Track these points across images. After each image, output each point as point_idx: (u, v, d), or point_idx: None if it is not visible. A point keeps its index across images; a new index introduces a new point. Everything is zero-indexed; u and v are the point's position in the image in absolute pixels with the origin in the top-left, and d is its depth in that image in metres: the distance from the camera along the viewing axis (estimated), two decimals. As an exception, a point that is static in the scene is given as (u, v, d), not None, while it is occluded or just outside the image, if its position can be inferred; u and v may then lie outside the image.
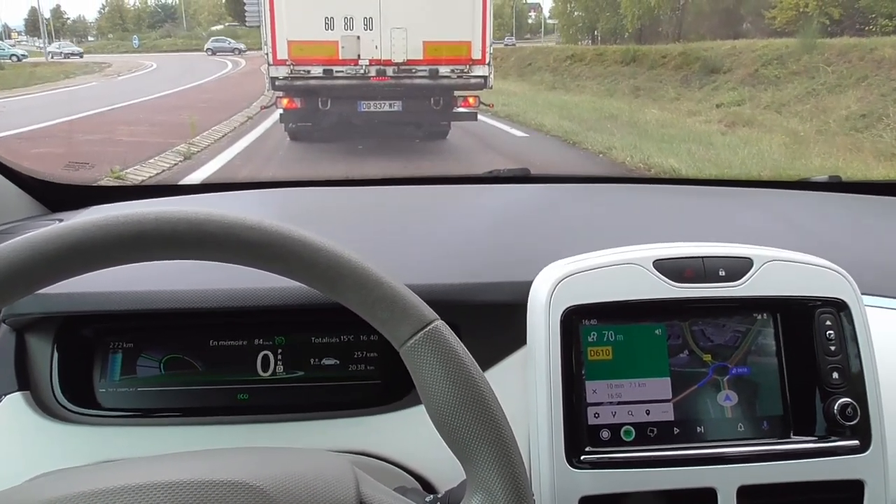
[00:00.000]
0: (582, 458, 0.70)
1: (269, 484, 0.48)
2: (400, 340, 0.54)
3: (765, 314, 0.76)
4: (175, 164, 6.99)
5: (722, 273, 0.74)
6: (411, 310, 0.54)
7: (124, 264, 0.52)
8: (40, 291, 0.51)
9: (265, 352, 0.82)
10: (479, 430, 0.51)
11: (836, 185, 1.36)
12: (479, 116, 9.19)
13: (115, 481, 0.46)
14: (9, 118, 10.21)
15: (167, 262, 0.54)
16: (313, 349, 0.82)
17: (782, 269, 0.75)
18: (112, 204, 1.12)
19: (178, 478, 0.47)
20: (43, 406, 0.77)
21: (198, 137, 8.40)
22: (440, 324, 0.54)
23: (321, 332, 0.83)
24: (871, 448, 0.72)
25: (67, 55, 29.13)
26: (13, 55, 26.15)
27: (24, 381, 0.77)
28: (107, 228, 0.51)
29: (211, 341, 0.81)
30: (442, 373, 0.52)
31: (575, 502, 0.69)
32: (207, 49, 29.63)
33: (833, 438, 0.73)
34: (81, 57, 29.15)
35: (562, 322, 0.71)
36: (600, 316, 0.73)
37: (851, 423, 0.72)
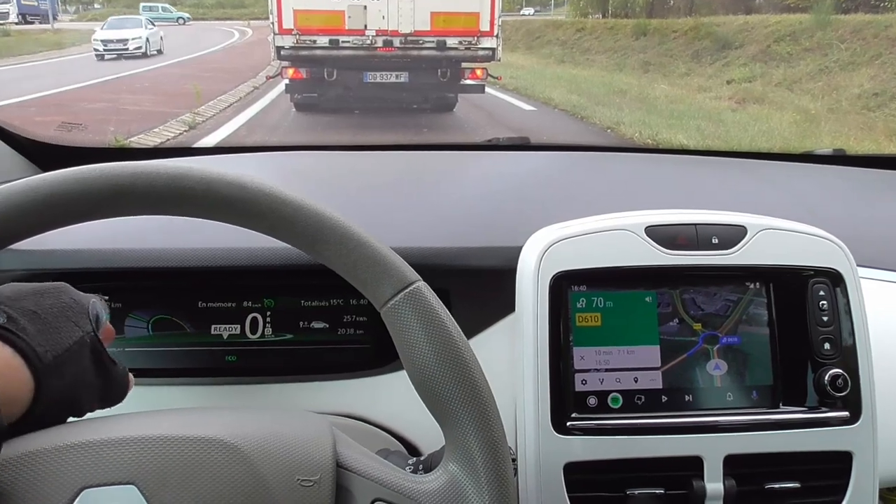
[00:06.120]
0: (568, 424, 0.69)
1: (244, 441, 0.48)
2: (381, 301, 0.53)
3: (757, 283, 0.75)
4: (179, 134, 6.98)
5: (715, 241, 0.73)
6: (393, 270, 0.53)
7: (100, 219, 0.52)
8: (25, 248, 0.50)
9: (254, 314, 0.81)
10: (458, 393, 0.51)
11: (840, 159, 1.34)
12: (487, 89, 9.12)
13: (86, 436, 0.46)
14: (12, 86, 10.18)
15: (156, 221, 0.54)
16: (302, 312, 0.82)
17: (777, 237, 0.74)
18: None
19: (148, 433, 0.47)
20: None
21: (203, 107, 8.38)
22: (422, 285, 0.53)
23: (311, 296, 0.82)
24: (860, 420, 0.72)
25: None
26: (180, 18, 25.64)
27: None
28: (82, 181, 0.50)
29: (199, 302, 0.81)
30: (422, 334, 0.51)
31: (560, 468, 0.69)
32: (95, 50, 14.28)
33: (823, 409, 0.72)
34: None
35: (550, 288, 0.71)
36: (590, 282, 0.72)
37: (842, 394, 0.71)
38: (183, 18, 26.59)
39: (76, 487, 0.44)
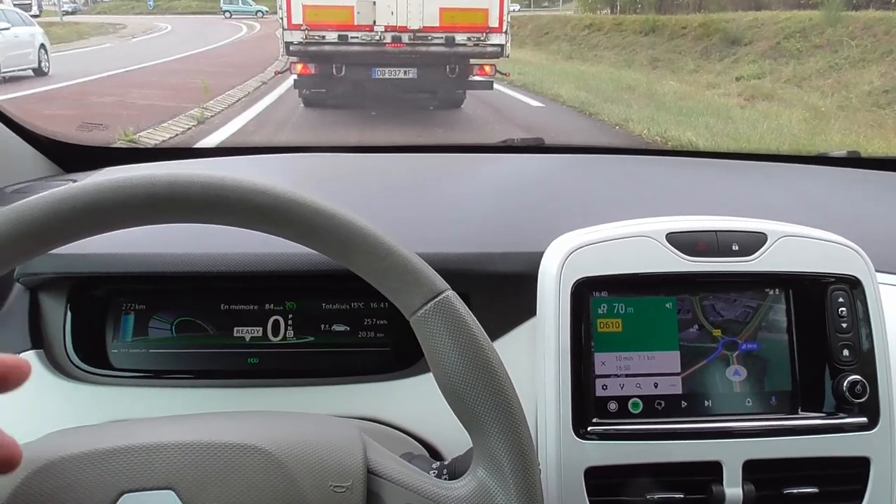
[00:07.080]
0: (589, 429, 0.70)
1: (277, 447, 0.49)
2: (410, 310, 0.54)
3: (777, 290, 0.75)
4: (188, 129, 6.99)
5: (735, 247, 0.73)
6: (422, 279, 0.54)
7: (137, 226, 0.53)
8: (54, 252, 0.51)
9: (276, 316, 0.82)
10: (487, 401, 0.52)
11: (854, 161, 1.34)
12: (495, 85, 9.10)
13: (125, 440, 0.47)
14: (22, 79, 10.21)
15: (180, 225, 0.54)
16: (324, 315, 0.83)
17: (796, 244, 0.74)
18: (126, 166, 1.12)
19: (186, 439, 0.48)
20: (56, 365, 0.78)
21: (211, 102, 8.39)
22: (451, 294, 0.54)
23: (332, 299, 0.83)
24: (878, 426, 0.72)
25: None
26: (258, 11, 25.40)
27: (38, 339, 0.78)
28: (120, 190, 0.51)
29: (222, 305, 0.82)
30: (452, 343, 0.52)
31: (581, 473, 0.70)
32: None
33: (841, 415, 0.73)
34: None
35: (572, 294, 0.71)
36: (611, 288, 0.73)
37: (860, 400, 0.72)
38: (261, 12, 26.57)
39: (116, 492, 0.45)
